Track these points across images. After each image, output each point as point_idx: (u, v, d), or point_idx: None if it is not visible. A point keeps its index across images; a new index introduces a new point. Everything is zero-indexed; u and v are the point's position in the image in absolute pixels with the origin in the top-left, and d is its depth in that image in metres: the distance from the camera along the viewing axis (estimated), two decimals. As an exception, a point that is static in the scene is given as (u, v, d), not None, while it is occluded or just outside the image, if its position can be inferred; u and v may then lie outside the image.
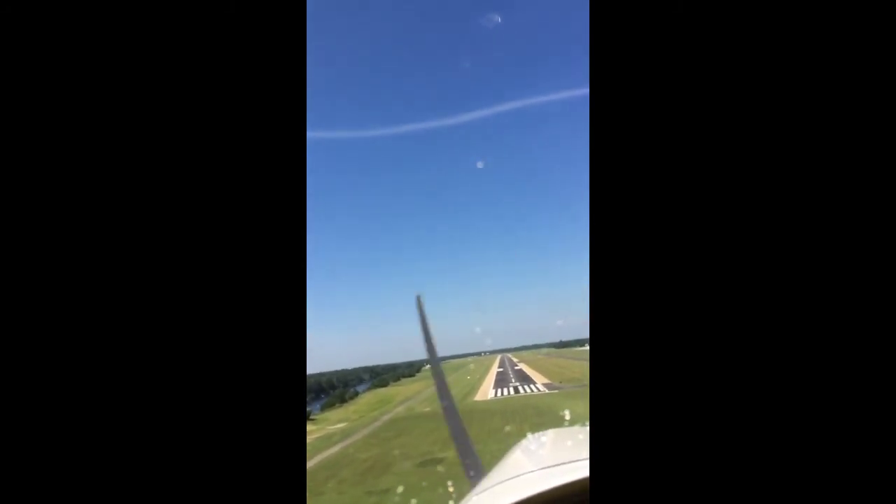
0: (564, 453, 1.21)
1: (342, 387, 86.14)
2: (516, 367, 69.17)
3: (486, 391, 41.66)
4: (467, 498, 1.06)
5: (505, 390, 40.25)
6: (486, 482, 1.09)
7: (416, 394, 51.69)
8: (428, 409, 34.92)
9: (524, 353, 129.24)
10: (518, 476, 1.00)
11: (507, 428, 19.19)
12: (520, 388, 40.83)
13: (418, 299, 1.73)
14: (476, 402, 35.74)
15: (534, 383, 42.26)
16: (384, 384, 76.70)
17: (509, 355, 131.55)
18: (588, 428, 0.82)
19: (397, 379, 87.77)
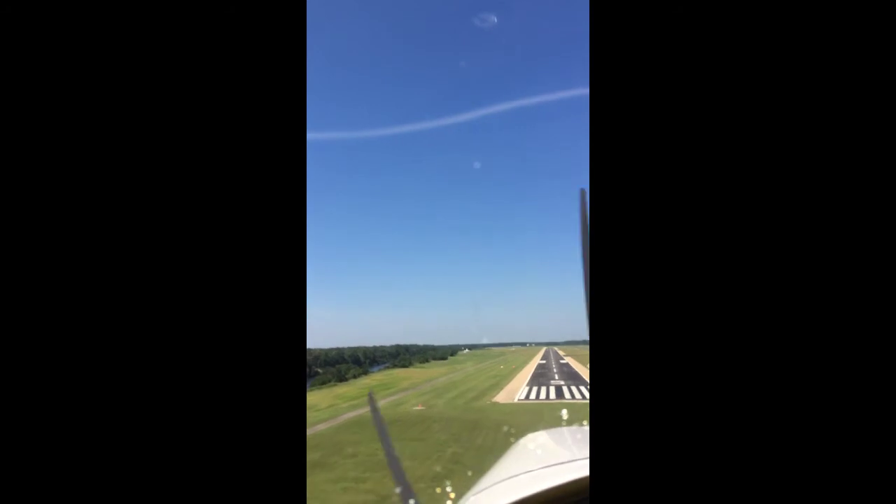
0: (564, 452, 1.18)
1: (368, 362, 78.90)
2: (562, 361, 55.08)
3: (515, 390, 28.17)
4: (465, 497, 1.01)
5: (542, 391, 26.62)
6: (484, 481, 1.03)
7: (425, 381, 39.09)
8: (419, 407, 22.02)
9: (572, 348, 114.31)
10: (517, 475, 0.96)
11: None
12: (564, 389, 27.10)
13: (370, 396, 1.68)
14: (493, 404, 22.34)
15: (586, 385, 28.54)
16: (406, 364, 65.80)
17: (555, 348, 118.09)
18: (587, 426, 0.76)
19: (426, 360, 77.88)
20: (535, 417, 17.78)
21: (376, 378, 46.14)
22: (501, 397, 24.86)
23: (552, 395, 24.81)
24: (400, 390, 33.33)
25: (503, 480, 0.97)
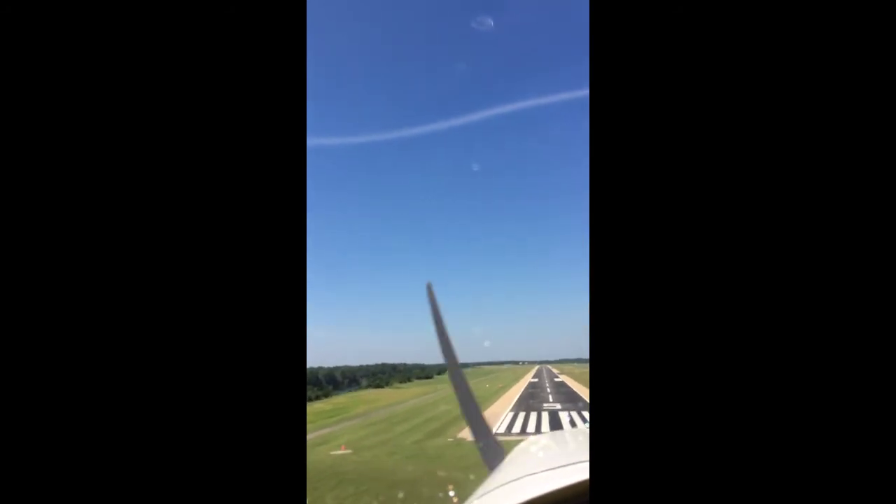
0: (565, 456, 1.17)
1: (346, 382, 72.23)
2: (557, 379, 47.25)
3: (495, 417, 20.43)
4: (468, 501, 1.00)
5: (531, 420, 18.96)
6: (487, 485, 1.05)
7: (390, 404, 31.27)
8: (341, 451, 14.29)
9: (566, 366, 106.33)
10: (519, 479, 0.96)
11: None
12: (562, 416, 19.42)
13: (428, 287, 1.44)
14: (456, 444, 14.49)
15: (588, 408, 20.90)
16: (381, 385, 58.09)
17: (549, 366, 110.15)
18: (589, 429, 0.81)
19: (408, 380, 70.00)
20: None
21: (336, 401, 38.26)
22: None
23: (545, 425, 17.12)
24: (350, 417, 25.51)
25: (505, 484, 0.95)
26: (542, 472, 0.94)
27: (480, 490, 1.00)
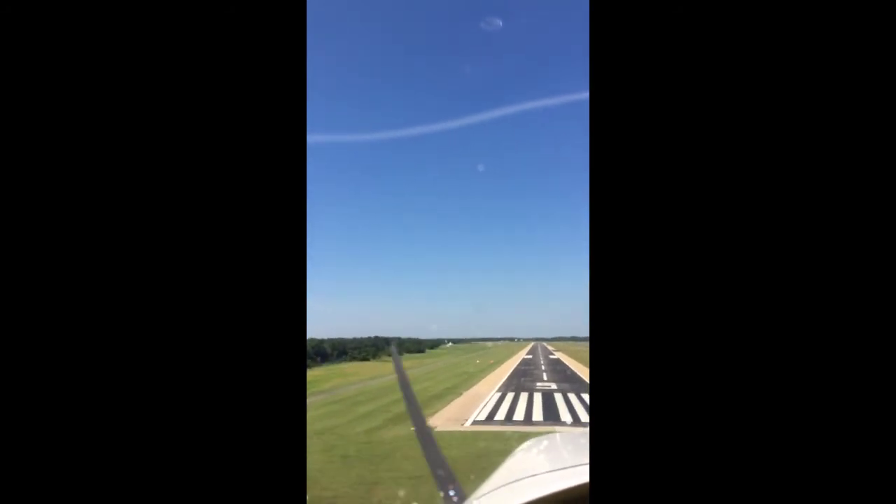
0: (568, 457, 1.19)
1: (336, 354, 69.74)
2: (552, 357, 44.21)
3: (479, 397, 17.17)
4: (468, 501, 1.01)
5: (521, 402, 15.65)
6: (486, 486, 1.04)
7: (366, 379, 28.09)
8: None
9: (562, 344, 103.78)
10: (518, 480, 0.97)
11: None
12: (558, 399, 16.20)
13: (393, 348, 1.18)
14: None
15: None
16: (368, 357, 55.14)
17: (544, 343, 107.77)
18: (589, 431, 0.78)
19: (398, 353, 67.22)
20: None
21: (312, 374, 35.06)
22: (447, 415, 13.74)
23: (537, 411, 13.81)
24: (315, 392, 22.22)
25: (505, 485, 0.95)
26: (543, 474, 0.93)
27: (481, 490, 0.97)
